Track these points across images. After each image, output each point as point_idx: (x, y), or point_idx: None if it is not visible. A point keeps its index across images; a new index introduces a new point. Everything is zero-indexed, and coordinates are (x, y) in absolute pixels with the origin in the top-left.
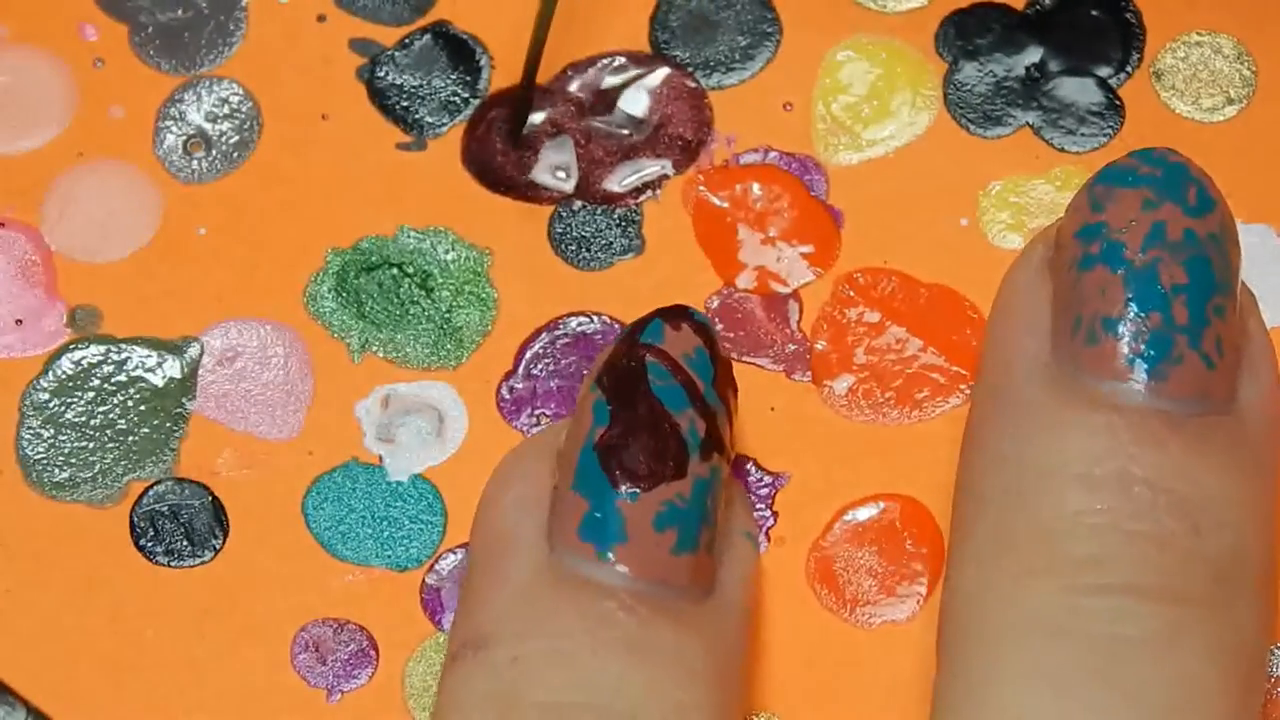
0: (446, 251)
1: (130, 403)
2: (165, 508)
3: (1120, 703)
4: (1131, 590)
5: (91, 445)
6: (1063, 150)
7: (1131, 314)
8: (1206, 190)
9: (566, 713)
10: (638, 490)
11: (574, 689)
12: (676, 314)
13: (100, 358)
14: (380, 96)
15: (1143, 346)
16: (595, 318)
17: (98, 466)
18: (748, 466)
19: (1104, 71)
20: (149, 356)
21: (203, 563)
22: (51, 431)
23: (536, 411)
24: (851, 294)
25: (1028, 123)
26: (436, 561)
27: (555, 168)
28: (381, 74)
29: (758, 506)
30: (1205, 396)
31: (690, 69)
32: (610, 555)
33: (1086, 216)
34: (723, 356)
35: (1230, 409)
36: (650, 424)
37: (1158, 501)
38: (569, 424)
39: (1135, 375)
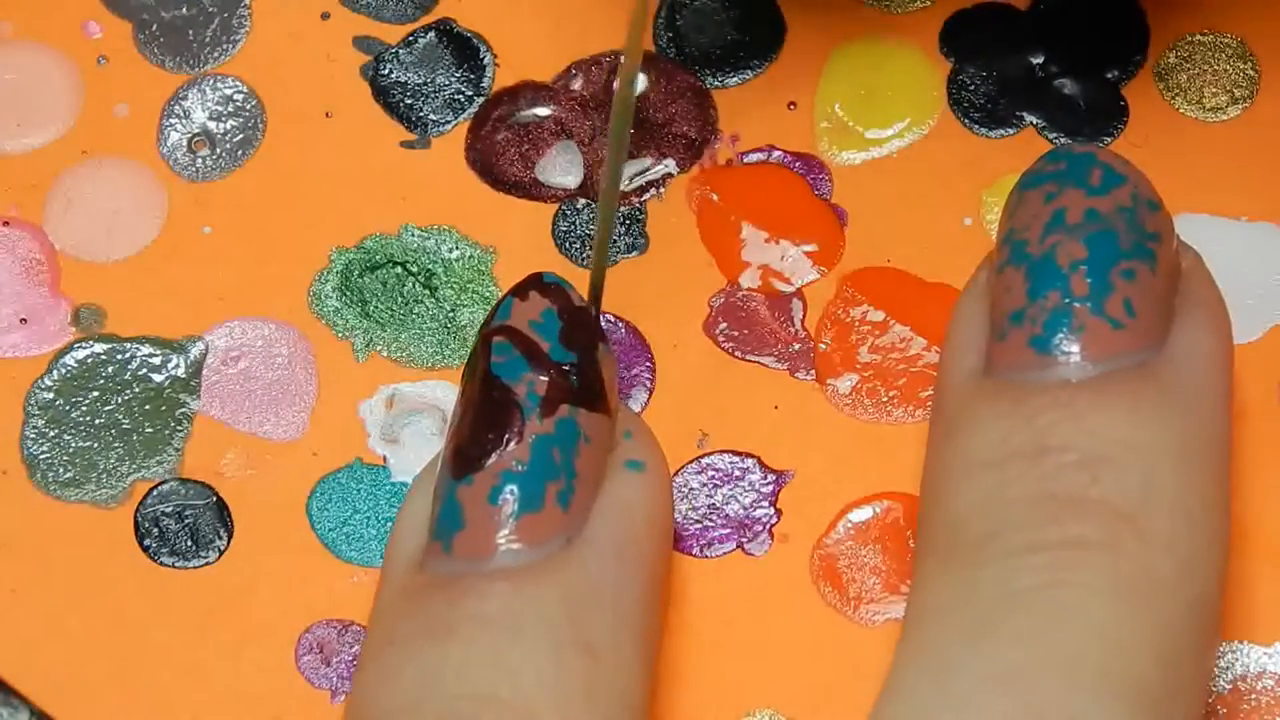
0: (450, 250)
1: (134, 402)
2: (169, 508)
3: (1002, 653)
4: (1024, 549)
5: (96, 445)
6: None
7: (1032, 301)
8: (1114, 169)
9: (404, 715)
10: (472, 474)
11: (406, 692)
12: (524, 285)
13: (104, 357)
14: (384, 94)
15: (1045, 327)
16: (600, 316)
17: (102, 466)
18: (751, 464)
19: (1107, 71)
20: (153, 356)
21: (207, 563)
22: (56, 431)
23: None
24: (855, 293)
25: (1031, 122)
26: None
27: (559, 166)
28: (385, 72)
29: (761, 504)
30: (1116, 356)
31: (695, 67)
32: (451, 547)
33: (1003, 226)
34: (577, 306)
35: (1148, 360)
36: (483, 407)
37: (1060, 461)
38: None
39: (1040, 354)
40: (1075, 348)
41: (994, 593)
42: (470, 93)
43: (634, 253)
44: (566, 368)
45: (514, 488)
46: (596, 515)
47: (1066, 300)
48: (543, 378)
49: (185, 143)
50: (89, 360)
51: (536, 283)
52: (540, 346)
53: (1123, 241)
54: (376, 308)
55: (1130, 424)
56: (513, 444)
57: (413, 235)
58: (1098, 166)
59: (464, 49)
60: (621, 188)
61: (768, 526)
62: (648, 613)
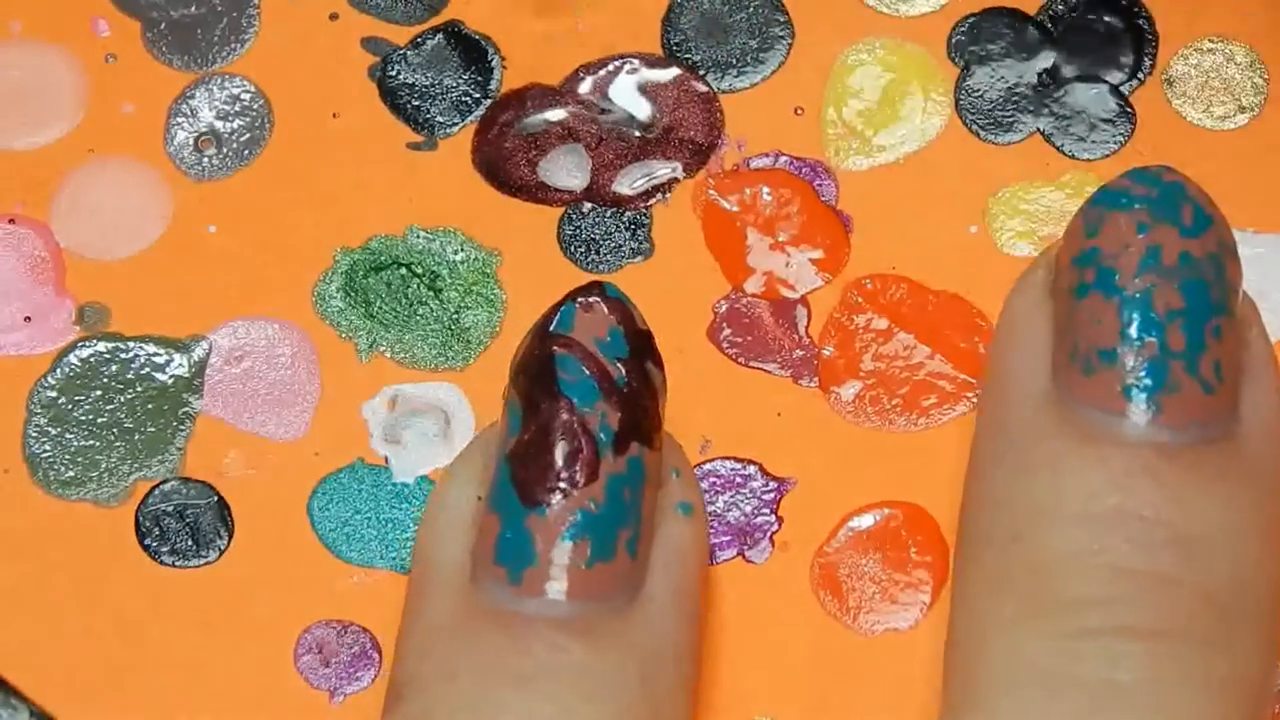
0: (455, 252)
1: (137, 401)
2: (171, 507)
3: None
4: (1125, 632)
5: (98, 444)
6: (1073, 157)
7: (1126, 343)
8: (1203, 208)
9: None
10: (545, 505)
11: None
12: (587, 292)
13: (108, 356)
14: (391, 96)
15: (1138, 377)
16: None
17: (104, 465)
18: (753, 471)
19: (1116, 78)
20: (157, 355)
21: (207, 563)
22: (58, 429)
23: None
24: (860, 300)
25: (1038, 129)
26: None
27: (565, 170)
28: (393, 73)
29: (763, 511)
30: (1204, 423)
31: (702, 72)
32: (521, 580)
33: (1081, 242)
34: (642, 330)
35: (1232, 430)
36: (558, 429)
37: (1154, 537)
38: (496, 429)
39: (1131, 407)
40: (1168, 408)
41: (1095, 677)
42: (478, 95)
43: (639, 257)
44: (633, 398)
45: (590, 533)
46: (657, 566)
47: (1163, 354)
48: (615, 411)
49: (192, 142)
50: (92, 359)
51: (598, 293)
52: (610, 372)
53: (1213, 294)
54: (380, 309)
55: (1221, 504)
56: (587, 481)
57: (418, 237)
58: (1188, 203)
59: (472, 51)
60: (628, 191)
61: (768, 534)
62: (696, 661)
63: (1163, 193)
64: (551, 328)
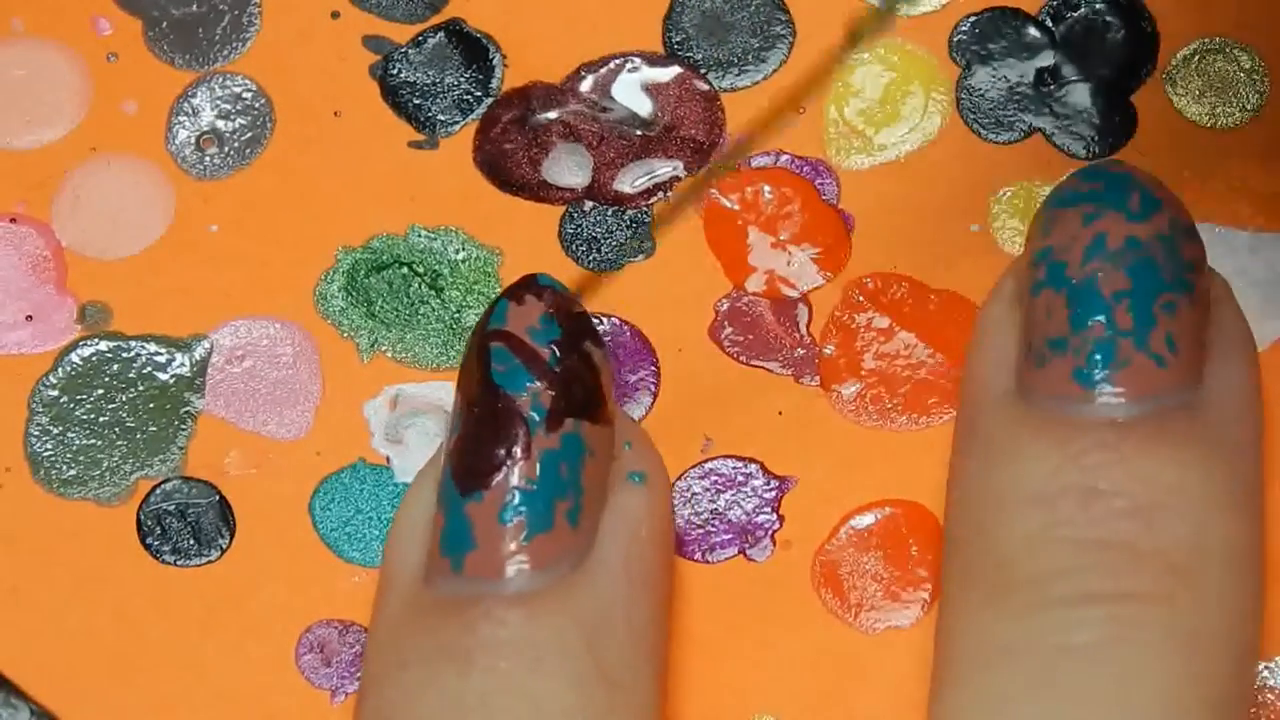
0: (457, 251)
1: (139, 400)
2: (172, 506)
3: (1068, 711)
4: (1080, 599)
5: (100, 443)
6: (1074, 156)
7: (1074, 330)
8: (1151, 193)
9: None
10: (482, 490)
11: (429, 718)
12: (519, 286)
13: (109, 355)
14: (393, 94)
15: (1088, 359)
16: (604, 319)
17: (105, 464)
18: (754, 469)
19: (1117, 78)
20: (158, 354)
21: (209, 562)
22: (60, 428)
23: None
24: (861, 299)
25: (1040, 128)
26: None
27: (567, 168)
28: (394, 71)
29: (764, 510)
30: (1159, 394)
31: (703, 70)
32: (462, 566)
33: (1036, 243)
34: (576, 312)
35: (1191, 400)
36: (489, 418)
37: (1111, 506)
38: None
39: (1084, 390)
40: (1119, 384)
41: (1053, 643)
42: (479, 93)
43: (640, 256)
44: (567, 377)
45: (525, 507)
46: (604, 533)
47: (1110, 333)
48: (547, 389)
49: (193, 140)
50: (94, 358)
51: (531, 284)
52: (540, 355)
53: (1164, 273)
54: (382, 308)
55: (1178, 470)
56: (521, 460)
57: (419, 236)
58: (1135, 189)
59: (473, 49)
60: (630, 190)
61: (770, 532)
62: (658, 629)
63: (1108, 183)
64: (488, 326)
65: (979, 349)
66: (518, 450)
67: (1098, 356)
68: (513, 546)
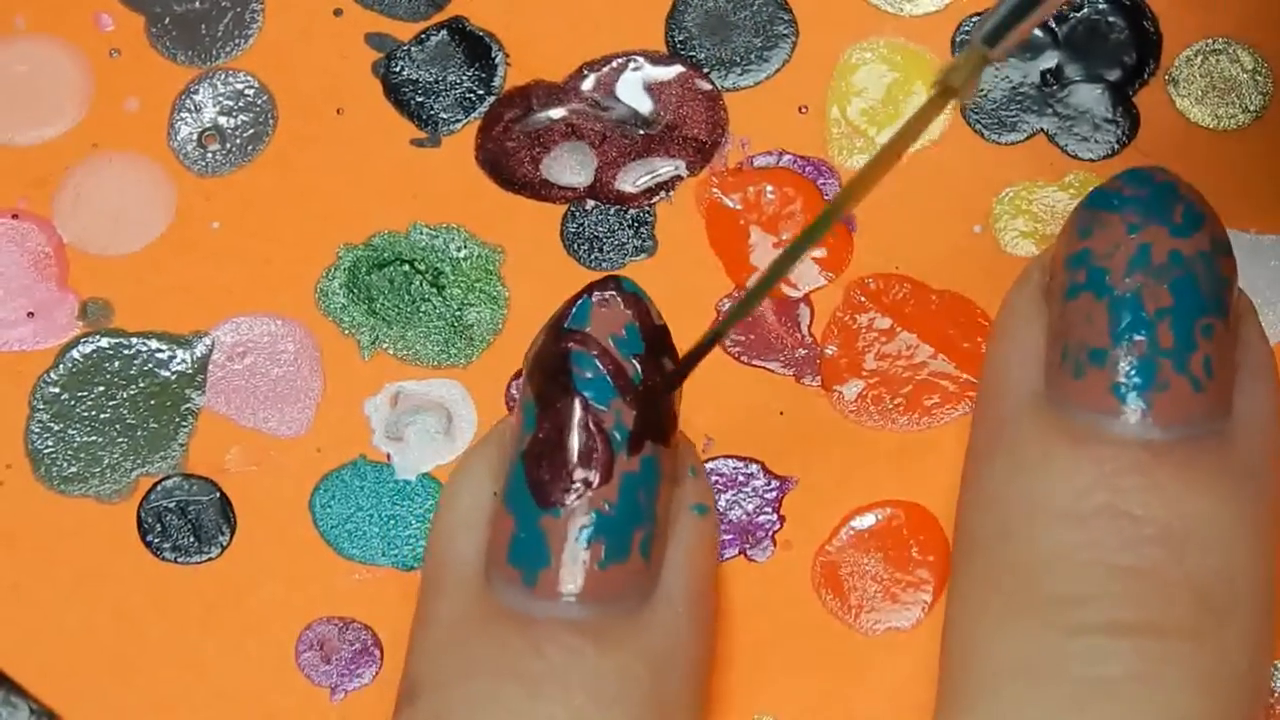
0: (459, 249)
1: (140, 397)
2: (173, 503)
3: None
4: (1112, 627)
5: (100, 440)
6: (1077, 157)
7: (1116, 343)
8: (1194, 207)
9: None
10: (560, 506)
11: None
12: (603, 287)
13: (111, 352)
14: (395, 92)
15: (1127, 376)
16: None
17: (106, 461)
18: (755, 469)
19: (1119, 78)
20: (160, 351)
21: (209, 559)
22: (61, 425)
23: None
24: (862, 299)
25: (1042, 129)
26: None
27: (569, 167)
28: (397, 69)
29: (765, 510)
30: (1195, 420)
31: (705, 69)
32: (536, 582)
33: (1074, 244)
34: (658, 325)
35: (1224, 427)
36: (573, 428)
37: (1142, 533)
38: (511, 424)
39: (1121, 406)
40: (1157, 406)
41: (1078, 673)
42: (481, 91)
43: (642, 255)
44: (649, 397)
45: (605, 535)
46: (670, 568)
47: (1151, 352)
48: (630, 409)
49: (195, 137)
50: (95, 355)
51: (618, 287)
52: (625, 370)
53: (1204, 292)
54: (383, 305)
55: (1211, 502)
56: (601, 481)
57: (421, 233)
58: (1180, 201)
59: (476, 47)
60: (632, 189)
61: (770, 532)
62: (707, 666)
63: (1153, 193)
64: (567, 323)
65: (1005, 343)
66: (600, 470)
67: (1138, 376)
68: (588, 572)
